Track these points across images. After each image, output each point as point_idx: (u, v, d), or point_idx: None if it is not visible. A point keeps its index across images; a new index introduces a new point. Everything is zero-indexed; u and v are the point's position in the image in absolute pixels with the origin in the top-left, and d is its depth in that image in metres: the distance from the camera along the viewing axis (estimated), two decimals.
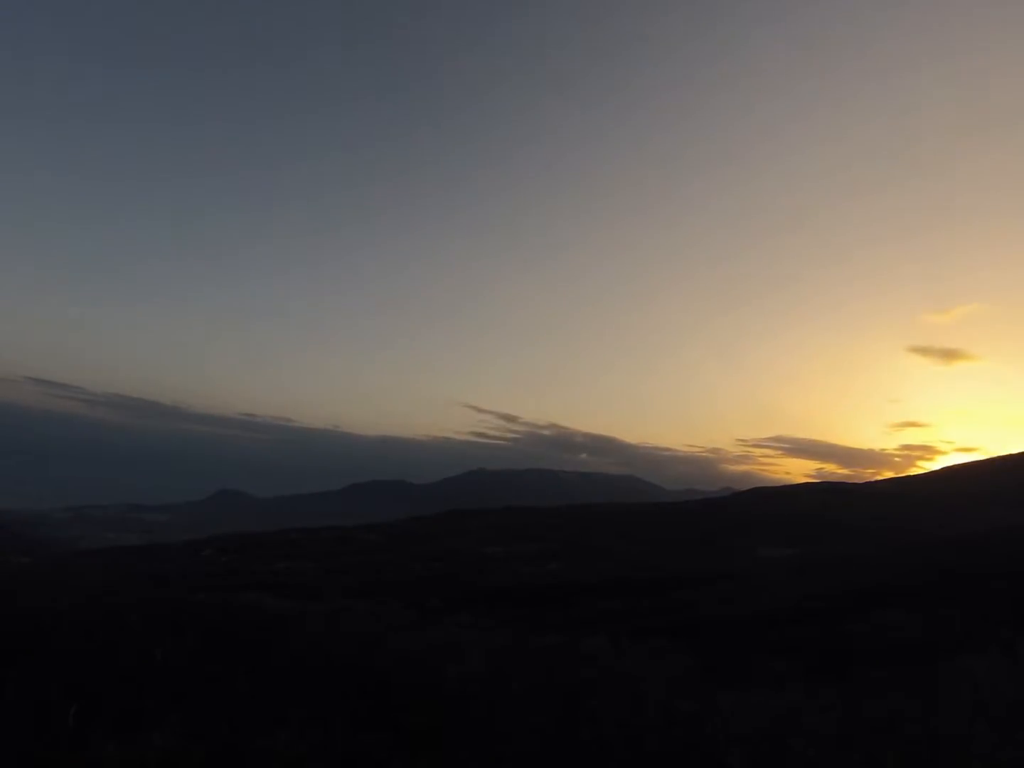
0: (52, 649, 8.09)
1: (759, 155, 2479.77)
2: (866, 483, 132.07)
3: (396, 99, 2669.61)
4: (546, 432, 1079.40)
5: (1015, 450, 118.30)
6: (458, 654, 10.40)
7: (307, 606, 25.29)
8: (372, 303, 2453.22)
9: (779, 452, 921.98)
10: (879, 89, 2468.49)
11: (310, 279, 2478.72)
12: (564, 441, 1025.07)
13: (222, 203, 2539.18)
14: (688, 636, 19.09)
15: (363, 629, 13.98)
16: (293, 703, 6.33)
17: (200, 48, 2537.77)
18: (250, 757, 5.31)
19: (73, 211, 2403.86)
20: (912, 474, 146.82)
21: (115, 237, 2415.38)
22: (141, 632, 10.16)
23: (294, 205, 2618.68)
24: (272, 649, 10.24)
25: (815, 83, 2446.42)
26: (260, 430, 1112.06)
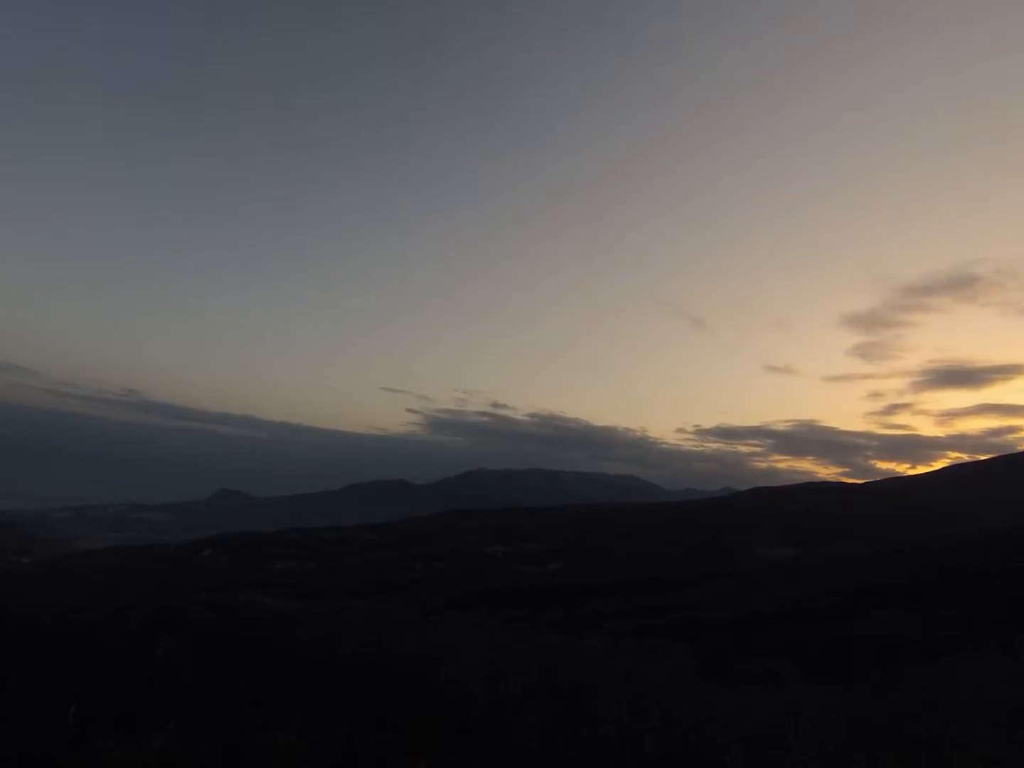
0: (52, 649, 8.09)
1: (754, 148, 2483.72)
2: (866, 483, 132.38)
3: (372, 87, 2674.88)
4: (543, 425, 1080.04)
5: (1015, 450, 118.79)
6: (458, 654, 10.40)
7: (307, 606, 25.33)
8: (371, 302, 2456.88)
9: (767, 445, 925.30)
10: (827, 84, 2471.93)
11: (309, 279, 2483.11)
12: (563, 435, 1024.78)
13: (223, 204, 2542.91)
14: (688, 636, 19.09)
15: (363, 629, 13.99)
16: (293, 703, 6.34)
17: (208, 36, 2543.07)
18: (250, 757, 5.32)
19: (74, 212, 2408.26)
20: (912, 474, 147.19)
21: (116, 237, 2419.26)
22: (141, 632, 10.16)
23: (296, 205, 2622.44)
24: (272, 649, 10.24)
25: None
26: (260, 430, 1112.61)
